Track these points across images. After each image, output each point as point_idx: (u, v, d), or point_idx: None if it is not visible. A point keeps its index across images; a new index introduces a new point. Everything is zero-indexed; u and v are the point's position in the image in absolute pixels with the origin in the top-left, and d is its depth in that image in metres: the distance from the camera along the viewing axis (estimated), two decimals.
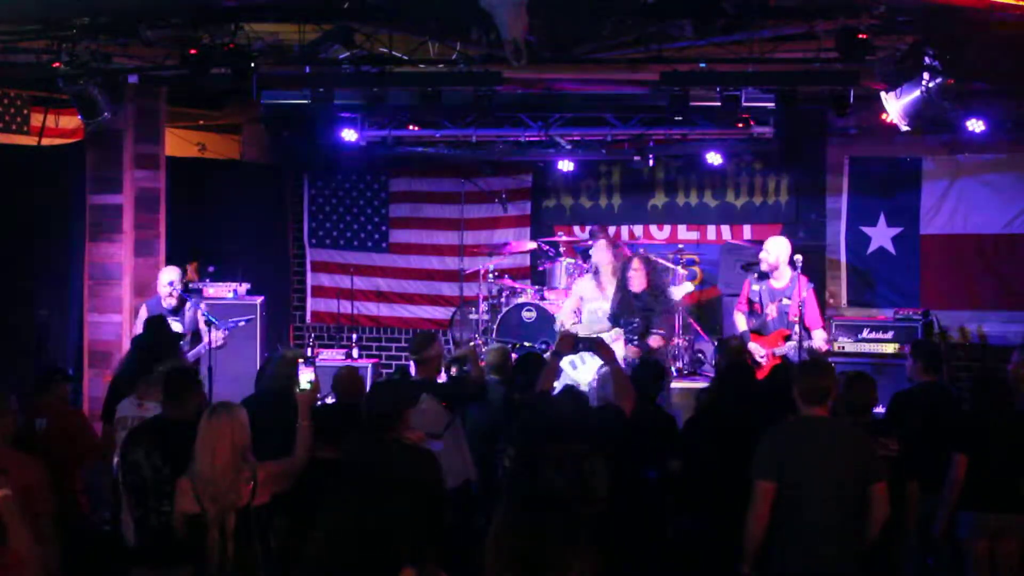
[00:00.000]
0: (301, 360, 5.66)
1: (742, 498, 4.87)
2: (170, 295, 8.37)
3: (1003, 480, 5.65)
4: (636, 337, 8.27)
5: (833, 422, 4.91)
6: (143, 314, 8.35)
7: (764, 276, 8.58)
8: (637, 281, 8.26)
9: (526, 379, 6.35)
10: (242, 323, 8.90)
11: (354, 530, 4.77)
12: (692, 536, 5.85)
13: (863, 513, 4.73)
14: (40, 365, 7.60)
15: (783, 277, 8.52)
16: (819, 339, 8.34)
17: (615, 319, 8.43)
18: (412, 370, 6.72)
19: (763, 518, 4.70)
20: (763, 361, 8.22)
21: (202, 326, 8.46)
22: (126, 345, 9.16)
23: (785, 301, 8.40)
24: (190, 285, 9.70)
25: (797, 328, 8.20)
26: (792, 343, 8.21)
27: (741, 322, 8.67)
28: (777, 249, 8.61)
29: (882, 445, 5.25)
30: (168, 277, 8.47)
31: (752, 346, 8.26)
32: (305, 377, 5.27)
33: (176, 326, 8.23)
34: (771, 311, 8.45)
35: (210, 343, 8.33)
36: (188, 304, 8.52)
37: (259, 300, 9.86)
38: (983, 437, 5.71)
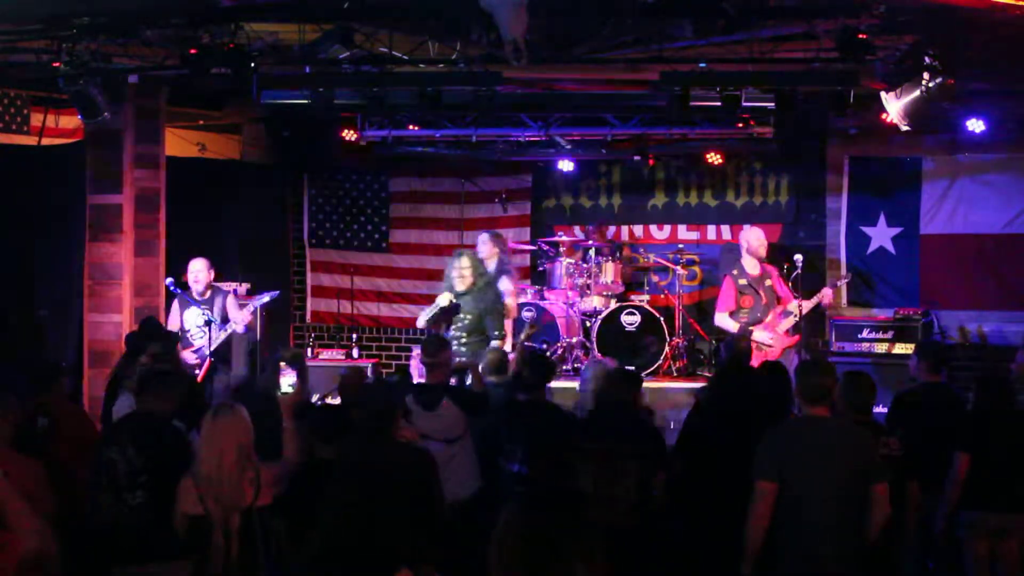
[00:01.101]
0: (283, 363, 5.66)
1: (741, 497, 4.86)
2: (195, 280, 8.51)
3: (1004, 480, 5.65)
4: (464, 334, 8.08)
5: (834, 422, 4.91)
6: (175, 307, 8.59)
7: (741, 270, 9.05)
8: (464, 282, 8.10)
9: (535, 378, 6.27)
10: (266, 298, 8.96)
11: (351, 530, 4.77)
12: (691, 536, 5.84)
13: (864, 513, 4.72)
14: (38, 364, 7.57)
15: (757, 264, 9.12)
16: (825, 296, 9.06)
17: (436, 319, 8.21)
18: (418, 373, 6.68)
19: (763, 518, 4.70)
20: (773, 343, 8.30)
21: (231, 312, 8.58)
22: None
23: (768, 282, 8.99)
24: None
25: (797, 304, 8.82)
26: (794, 312, 8.76)
27: (731, 323, 8.92)
28: (756, 235, 9.26)
29: (883, 444, 5.25)
30: (195, 267, 8.58)
31: (760, 335, 8.34)
32: (286, 380, 5.29)
33: (201, 315, 8.36)
34: (762, 295, 8.93)
35: (208, 341, 8.37)
36: (219, 293, 8.66)
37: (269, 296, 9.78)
38: (984, 437, 5.71)
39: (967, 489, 5.69)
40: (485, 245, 9.35)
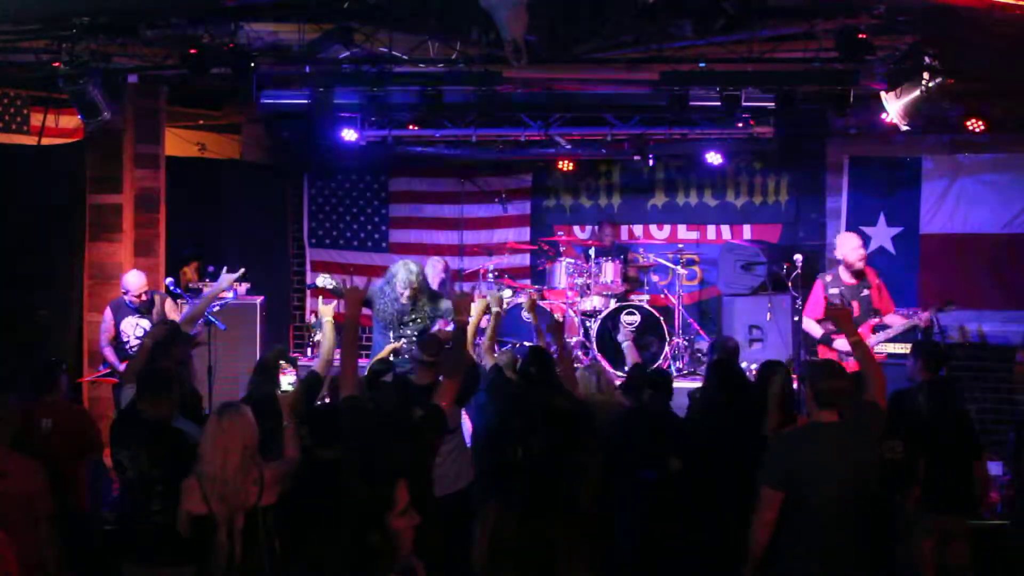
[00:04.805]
0: (282, 362, 5.63)
1: (735, 499, 4.85)
2: (138, 296, 8.21)
3: (948, 482, 5.67)
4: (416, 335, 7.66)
5: (842, 427, 4.79)
6: (108, 316, 8.31)
7: (836, 278, 8.29)
8: (407, 296, 7.69)
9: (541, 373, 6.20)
10: (216, 308, 8.64)
11: (357, 530, 4.76)
12: (688, 536, 5.83)
13: (870, 517, 4.70)
14: (40, 364, 7.54)
15: (853, 273, 8.33)
16: (922, 318, 8.22)
17: (387, 328, 7.85)
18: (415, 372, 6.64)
19: (769, 524, 4.66)
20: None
21: (169, 314, 8.21)
22: None
23: (865, 292, 8.27)
24: (189, 285, 9.69)
25: (895, 318, 8.18)
26: (891, 327, 8.17)
27: (816, 329, 8.28)
28: (850, 244, 8.43)
29: (888, 448, 5.24)
30: (135, 283, 8.25)
31: (841, 344, 7.95)
32: (286, 379, 5.27)
33: (144, 323, 8.13)
34: (856, 306, 8.22)
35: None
36: (155, 304, 8.35)
37: (259, 300, 9.83)
38: (935, 437, 5.72)
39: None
40: (430, 269, 9.16)
